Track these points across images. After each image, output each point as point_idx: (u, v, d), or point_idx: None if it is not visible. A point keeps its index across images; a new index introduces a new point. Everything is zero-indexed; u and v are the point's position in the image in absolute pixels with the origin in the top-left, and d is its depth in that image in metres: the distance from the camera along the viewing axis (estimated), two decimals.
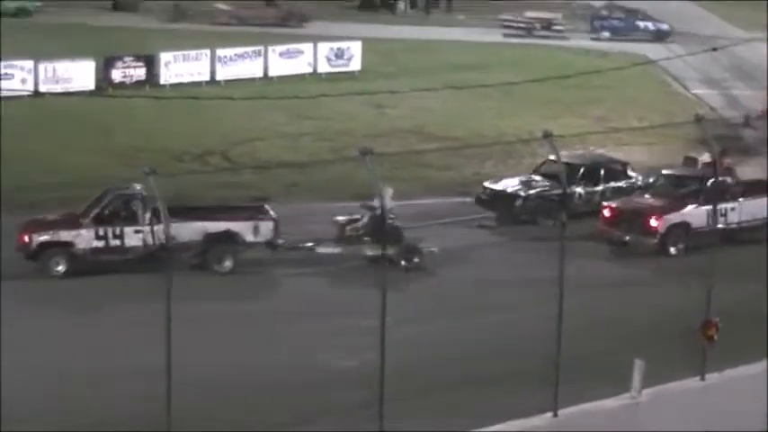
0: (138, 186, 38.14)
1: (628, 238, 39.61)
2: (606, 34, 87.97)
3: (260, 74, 68.88)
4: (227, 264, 38.26)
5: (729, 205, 39.22)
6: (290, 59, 71.04)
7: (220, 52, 68.61)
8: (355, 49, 73.27)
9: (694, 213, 38.12)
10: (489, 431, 22.56)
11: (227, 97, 56.69)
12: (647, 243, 39.14)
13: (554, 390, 22.66)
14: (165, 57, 67.03)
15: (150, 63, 66.59)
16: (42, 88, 61.56)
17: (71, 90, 61.59)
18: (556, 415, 23.24)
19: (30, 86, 61.25)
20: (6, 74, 61.13)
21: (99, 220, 37.96)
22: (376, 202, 35.14)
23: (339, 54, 72.77)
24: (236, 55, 69.42)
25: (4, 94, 58.03)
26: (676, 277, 33.59)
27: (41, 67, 62.71)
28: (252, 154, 50.19)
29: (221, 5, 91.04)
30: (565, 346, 23.56)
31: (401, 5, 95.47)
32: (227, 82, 66.20)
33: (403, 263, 37.43)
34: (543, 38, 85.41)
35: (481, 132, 52.25)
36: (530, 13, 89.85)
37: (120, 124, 54.75)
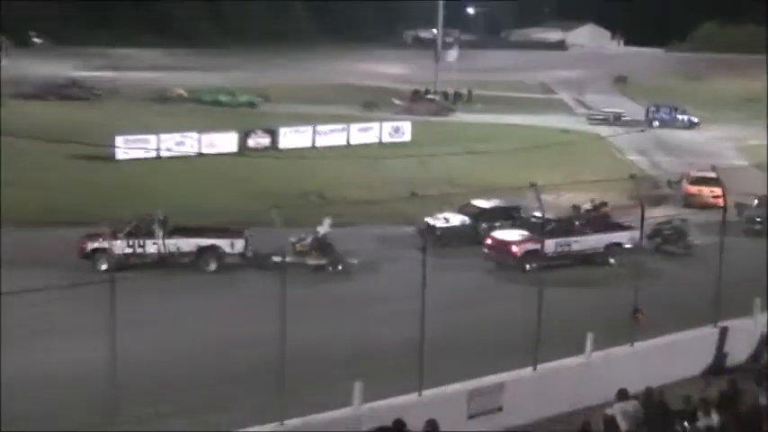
0: (159, 212, 39.13)
1: (498, 259, 40.25)
2: (656, 124, 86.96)
3: (344, 142, 69.08)
4: (212, 266, 38.66)
5: (574, 238, 40.00)
6: (364, 133, 71.37)
7: (319, 128, 69.06)
8: (406, 127, 73.72)
9: (546, 243, 36.73)
10: None
11: (323, 157, 56.99)
12: (509, 263, 39.13)
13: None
14: (282, 130, 67.43)
15: (273, 134, 66.92)
16: (204, 150, 61.96)
17: (222, 152, 62.06)
18: None
19: (195, 149, 61.60)
20: (180, 141, 61.82)
21: (129, 235, 38.31)
22: (320, 228, 39.09)
23: (396, 129, 73.22)
24: (329, 129, 69.79)
25: (180, 153, 58.76)
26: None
27: (204, 137, 63.19)
28: (338, 193, 50.06)
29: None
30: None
31: (437, 98, 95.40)
32: (324, 147, 66.23)
33: (330, 269, 38.56)
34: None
35: (489, 182, 52.05)
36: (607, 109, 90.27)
37: (253, 175, 54.85)
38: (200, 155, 60.76)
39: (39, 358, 26.53)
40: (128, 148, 59.52)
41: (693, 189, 53.02)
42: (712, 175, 50.69)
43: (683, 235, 43.28)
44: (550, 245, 37.88)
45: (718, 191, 46.61)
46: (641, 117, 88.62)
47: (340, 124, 71.90)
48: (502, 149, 57.31)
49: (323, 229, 39.39)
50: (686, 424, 19.73)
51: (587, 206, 45.83)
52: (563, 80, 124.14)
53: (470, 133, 73.82)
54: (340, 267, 38.60)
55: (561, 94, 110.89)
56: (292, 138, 67.53)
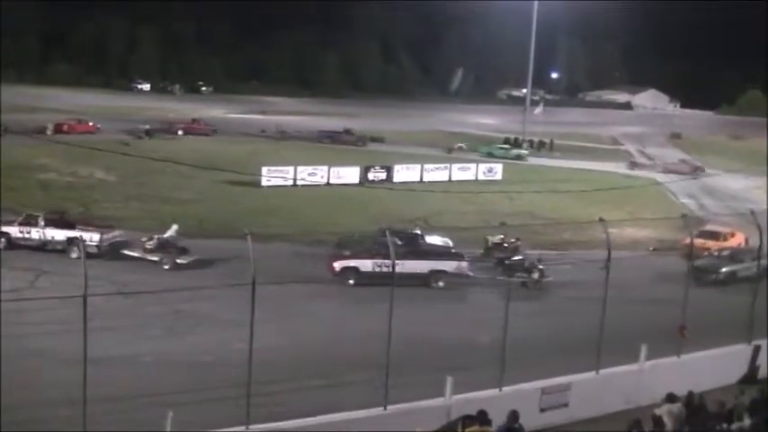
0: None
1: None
2: None
3: (446, 178, 68.97)
4: None
5: (387, 261, 33.28)
6: (464, 171, 71.17)
7: (426, 166, 69.13)
8: (498, 168, 73.33)
9: (362, 262, 36.57)
10: None
11: (429, 190, 56.99)
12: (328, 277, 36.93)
13: None
14: (396, 167, 67.62)
15: (389, 170, 67.14)
16: (331, 181, 62.41)
17: (346, 183, 62.45)
18: None
19: (325, 179, 62.08)
20: (312, 172, 62.33)
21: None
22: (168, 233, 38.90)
23: (490, 170, 72.87)
24: (434, 167, 69.77)
25: (312, 182, 59.30)
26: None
27: (332, 169, 63.66)
28: (440, 220, 50.04)
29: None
30: None
31: (524, 145, 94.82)
32: (429, 182, 66.23)
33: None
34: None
35: (566, 215, 51.53)
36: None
37: (370, 202, 55.10)
38: (328, 184, 61.31)
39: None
40: (270, 176, 60.42)
41: (698, 241, 44.77)
42: (722, 230, 48.00)
43: (530, 268, 38.81)
44: (367, 264, 36.56)
45: (725, 243, 45.65)
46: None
47: (443, 163, 71.95)
48: (576, 189, 56.72)
49: (169, 233, 38.99)
50: (723, 425, 19.38)
51: (496, 240, 42.81)
52: (628, 134, 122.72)
53: (551, 175, 73.21)
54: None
55: (626, 145, 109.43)
56: (404, 173, 67.58)
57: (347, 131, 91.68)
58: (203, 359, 25.64)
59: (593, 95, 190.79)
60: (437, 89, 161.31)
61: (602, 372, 23.68)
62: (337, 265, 37.23)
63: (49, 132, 77.24)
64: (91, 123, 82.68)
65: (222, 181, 56.28)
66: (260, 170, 59.88)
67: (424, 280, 36.74)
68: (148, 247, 38.20)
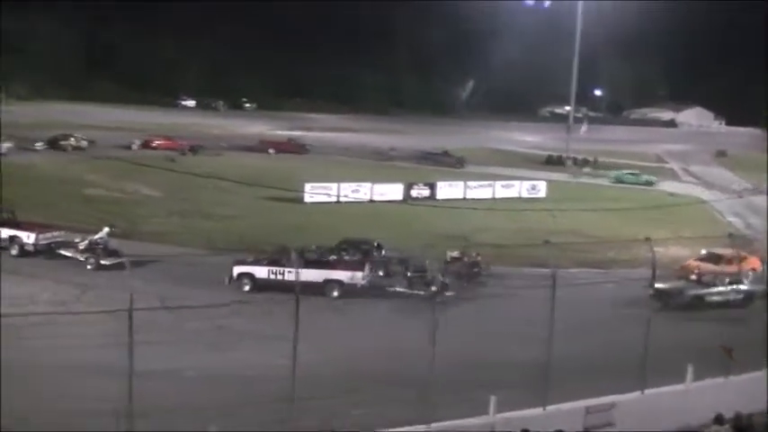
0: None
1: None
2: None
3: (490, 195, 68.76)
4: None
5: (288, 269, 36.41)
6: (507, 189, 70.96)
7: (469, 183, 69.03)
8: (542, 185, 73.00)
9: (257, 269, 37.59)
10: None
11: (473, 207, 56.89)
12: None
13: None
14: (439, 184, 67.60)
15: (432, 187, 67.08)
16: (375, 198, 62.50)
17: (389, 200, 62.42)
18: None
19: (368, 196, 62.17)
20: (356, 189, 62.48)
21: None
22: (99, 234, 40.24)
23: (533, 187, 72.56)
24: (477, 185, 69.65)
25: (355, 199, 59.52)
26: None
27: (376, 187, 63.74)
28: (482, 238, 49.87)
29: None
30: None
31: (568, 162, 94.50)
32: (473, 199, 66.07)
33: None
34: None
35: (610, 234, 51.16)
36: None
37: (413, 219, 55.09)
38: (371, 201, 61.34)
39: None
40: (313, 192, 60.55)
41: (694, 264, 45.15)
42: (727, 253, 44.83)
43: (429, 282, 37.97)
44: (263, 271, 37.49)
45: (728, 268, 42.42)
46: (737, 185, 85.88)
47: (487, 180, 71.77)
48: (620, 207, 56.42)
49: (99, 234, 40.52)
50: None
51: (455, 254, 42.81)
52: (672, 152, 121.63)
53: (595, 193, 72.85)
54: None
55: (671, 163, 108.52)
56: (447, 190, 67.60)
57: (446, 153, 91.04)
58: (246, 373, 25.62)
59: (637, 113, 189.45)
60: (481, 107, 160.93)
61: (647, 392, 23.34)
62: (236, 270, 37.95)
63: (135, 148, 79.70)
64: (180, 141, 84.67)
65: (265, 197, 56.47)
66: (304, 186, 60.17)
67: (319, 289, 36.54)
68: (81, 247, 40.15)
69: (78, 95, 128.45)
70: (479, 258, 42.39)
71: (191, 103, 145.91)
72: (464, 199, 66.23)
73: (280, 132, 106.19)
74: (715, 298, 39.55)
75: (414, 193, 65.95)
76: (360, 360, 27.68)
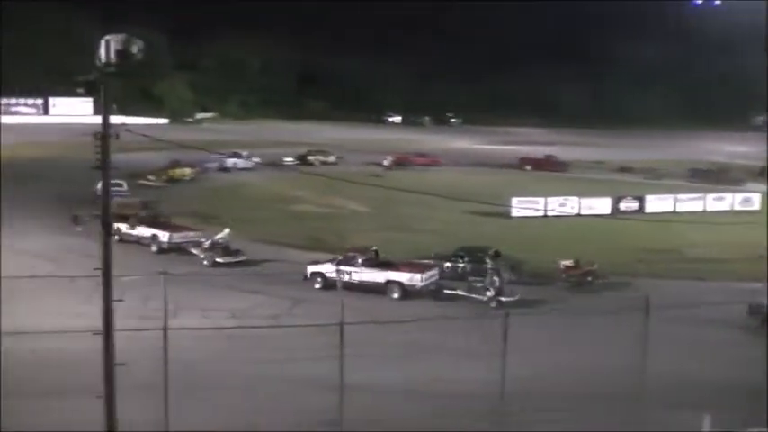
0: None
1: None
2: None
3: (700, 208, 66.46)
4: None
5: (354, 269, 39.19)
6: (719, 201, 68.47)
7: (680, 196, 67.18)
8: (756, 198, 70.04)
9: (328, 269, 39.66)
10: None
11: (682, 221, 55.29)
12: None
13: None
14: (649, 197, 66.20)
15: (641, 201, 65.69)
16: (582, 212, 61.84)
17: (596, 213, 61.43)
18: None
19: (575, 211, 61.60)
20: (563, 203, 62.15)
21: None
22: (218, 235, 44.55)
23: (746, 199, 69.79)
24: (688, 198, 67.70)
25: (562, 213, 58.85)
26: None
27: (583, 201, 63.17)
28: (693, 252, 48.36)
29: None
30: None
31: None
32: (684, 212, 64.03)
33: None
34: None
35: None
36: None
37: (621, 233, 54.14)
38: (579, 215, 60.64)
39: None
40: (520, 207, 60.38)
41: None
42: None
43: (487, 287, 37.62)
44: (332, 271, 39.34)
45: None
46: None
47: (697, 194, 69.57)
48: None
49: (220, 235, 44.45)
50: None
51: (568, 263, 41.71)
52: None
53: None
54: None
55: None
56: (656, 203, 66.00)
57: (709, 170, 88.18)
58: (448, 388, 25.62)
59: None
60: (691, 118, 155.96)
61: None
62: (309, 269, 40.16)
63: (386, 164, 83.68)
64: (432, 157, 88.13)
65: (471, 211, 56.55)
66: (510, 201, 60.36)
67: (381, 289, 38.43)
68: (204, 246, 43.94)
69: (285, 114, 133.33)
70: (595, 268, 41.43)
71: (397, 119, 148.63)
72: (675, 212, 64.29)
73: (492, 147, 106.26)
74: None
75: (622, 206, 64.77)
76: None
